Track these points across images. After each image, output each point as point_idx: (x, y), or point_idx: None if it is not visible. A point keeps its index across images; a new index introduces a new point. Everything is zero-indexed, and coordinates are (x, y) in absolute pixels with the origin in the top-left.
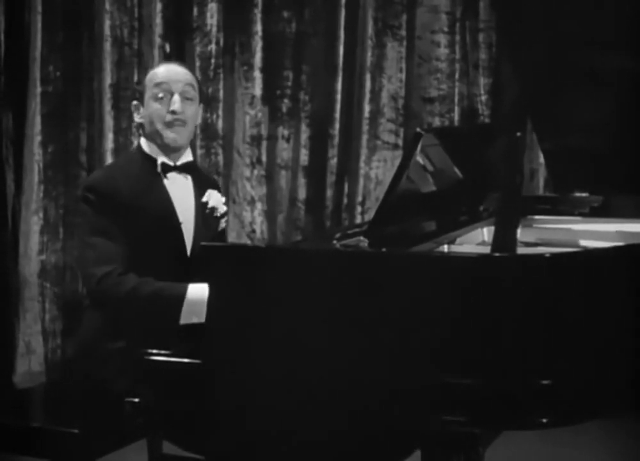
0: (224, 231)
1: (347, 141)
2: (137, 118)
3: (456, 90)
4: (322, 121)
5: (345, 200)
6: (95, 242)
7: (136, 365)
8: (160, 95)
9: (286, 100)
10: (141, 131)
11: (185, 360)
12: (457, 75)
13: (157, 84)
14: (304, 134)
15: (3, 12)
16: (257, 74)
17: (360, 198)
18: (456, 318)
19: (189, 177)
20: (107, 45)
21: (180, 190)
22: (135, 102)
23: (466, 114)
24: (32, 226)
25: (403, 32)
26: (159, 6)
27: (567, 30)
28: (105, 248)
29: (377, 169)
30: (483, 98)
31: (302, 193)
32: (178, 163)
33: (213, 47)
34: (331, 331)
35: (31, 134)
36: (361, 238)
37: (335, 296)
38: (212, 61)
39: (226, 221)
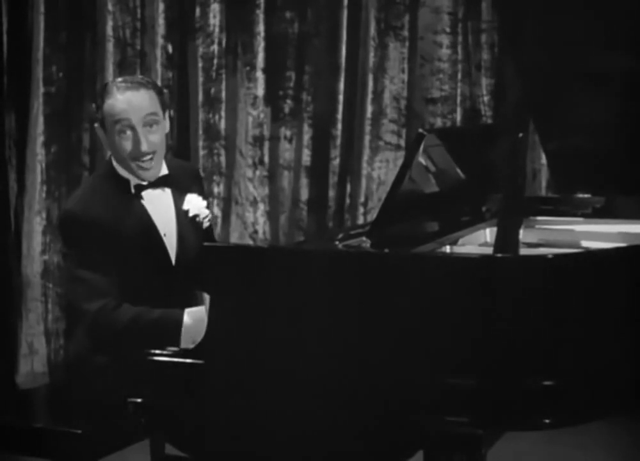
0: (210, 228)
1: (349, 142)
2: (104, 144)
3: (458, 91)
4: (324, 121)
5: (347, 201)
6: (83, 276)
7: (135, 368)
8: (123, 130)
9: (288, 101)
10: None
11: (188, 360)
12: (459, 76)
13: (117, 121)
14: (307, 134)
15: (6, 13)
16: (260, 75)
17: (362, 199)
18: (458, 319)
19: (167, 189)
20: (110, 46)
21: (158, 203)
22: (97, 125)
23: (468, 115)
24: (35, 226)
25: (405, 33)
26: (161, 7)
27: (569, 31)
28: (94, 281)
29: (380, 170)
30: (485, 98)
31: (304, 194)
32: (152, 180)
33: (215, 47)
34: (334, 332)
35: (33, 135)
36: (364, 239)
37: (337, 297)
38: (215, 61)
39: (210, 220)
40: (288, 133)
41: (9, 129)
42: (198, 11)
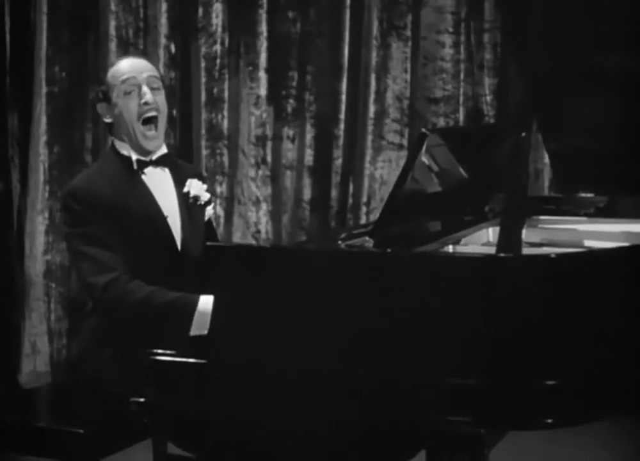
0: (210, 220)
1: (352, 142)
2: (106, 119)
3: (461, 90)
4: (327, 121)
5: (350, 201)
6: (90, 252)
7: (140, 365)
8: (129, 89)
9: (291, 101)
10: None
11: (191, 360)
12: (462, 76)
13: (124, 81)
14: (309, 134)
15: (9, 12)
16: (262, 74)
17: (364, 199)
18: (461, 318)
19: (167, 170)
20: (113, 46)
21: (159, 184)
22: (100, 104)
23: (471, 115)
24: (38, 226)
25: (408, 33)
26: (164, 7)
27: (572, 30)
28: (103, 255)
29: (382, 170)
30: (488, 98)
31: (307, 193)
32: (154, 158)
33: (218, 47)
34: (336, 331)
35: (36, 134)
36: (367, 238)
37: (340, 296)
38: (217, 61)
39: (213, 208)
40: (290, 133)
41: (12, 129)
42: (200, 11)
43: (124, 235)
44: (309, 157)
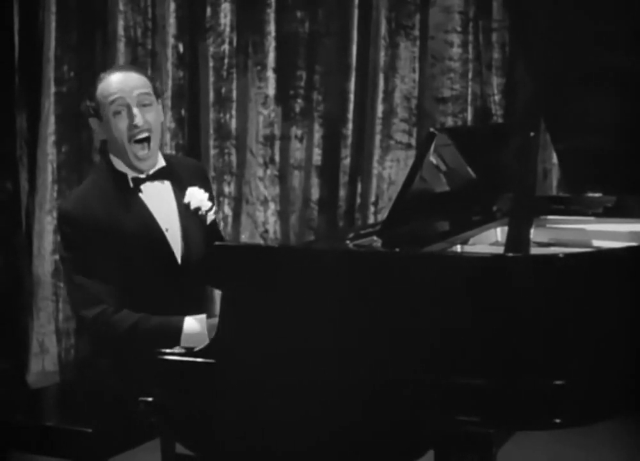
0: (214, 222)
1: (360, 141)
2: (100, 136)
3: (469, 90)
4: (335, 121)
5: (358, 200)
6: (80, 283)
7: (138, 374)
8: (118, 110)
9: (299, 100)
10: (107, 147)
11: (199, 359)
12: (470, 75)
13: (112, 101)
14: (318, 133)
15: (17, 13)
16: (270, 74)
17: (373, 198)
18: (469, 318)
19: (166, 182)
20: (121, 45)
21: (158, 198)
22: (91, 119)
23: (479, 114)
24: (46, 225)
25: (416, 32)
26: (172, 6)
27: (580, 30)
28: (92, 287)
29: (390, 169)
30: (496, 98)
31: (315, 193)
32: (151, 172)
33: (226, 47)
34: (345, 331)
35: (44, 134)
36: (375, 238)
37: (349, 296)
38: (226, 61)
39: (215, 212)
40: (299, 132)
41: (20, 129)
42: (209, 10)
43: (119, 256)
44: (317, 156)
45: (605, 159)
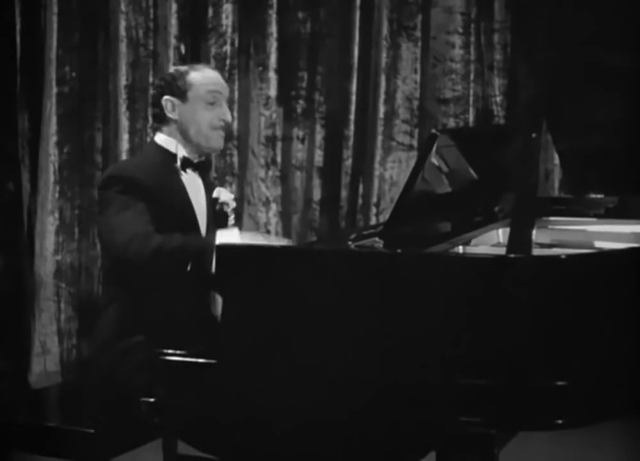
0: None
1: (361, 142)
2: (171, 115)
3: (471, 91)
4: (336, 122)
5: (359, 201)
6: (121, 219)
7: (153, 363)
8: (212, 100)
9: (301, 101)
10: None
11: (200, 360)
12: (472, 76)
13: (210, 91)
14: (319, 134)
15: (19, 13)
16: (272, 75)
17: (374, 199)
18: (471, 319)
19: (199, 177)
20: (123, 46)
21: (194, 187)
22: (168, 97)
23: (481, 115)
24: (48, 226)
25: (418, 33)
26: (174, 7)
27: (582, 30)
28: (133, 219)
29: (392, 170)
30: (498, 99)
31: (317, 194)
32: (195, 161)
33: (228, 47)
34: (347, 332)
35: (46, 135)
36: (376, 239)
37: (351, 297)
38: (227, 61)
39: (235, 219)
40: (300, 133)
41: (22, 129)
42: (210, 11)
43: (156, 225)
44: (319, 157)
45: (606, 160)
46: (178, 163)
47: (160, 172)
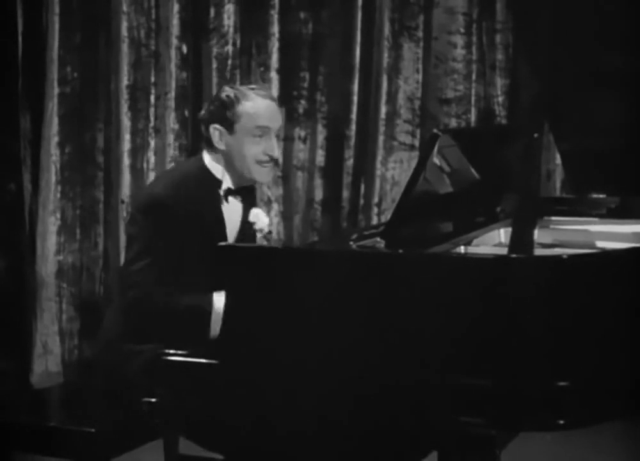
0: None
1: (363, 142)
2: (219, 145)
3: (473, 91)
4: (338, 122)
5: (361, 201)
6: (139, 265)
7: (155, 363)
8: (259, 134)
9: (302, 101)
10: (207, 149)
11: (203, 360)
12: (473, 76)
13: (259, 126)
14: (321, 135)
15: (21, 14)
16: (274, 75)
17: (376, 199)
18: (473, 319)
19: (240, 201)
20: (124, 46)
21: (231, 211)
22: (217, 126)
23: (482, 116)
24: (50, 226)
25: (420, 33)
26: (175, 7)
27: (583, 31)
28: (148, 271)
29: (394, 170)
30: (500, 99)
31: (318, 194)
32: (239, 187)
33: (230, 48)
34: (348, 332)
35: (48, 135)
36: (378, 239)
37: (352, 297)
38: (229, 62)
39: (268, 240)
40: (302, 133)
41: (24, 129)
42: (212, 11)
43: (185, 253)
44: (320, 157)
45: (608, 160)
46: (222, 192)
47: (201, 198)
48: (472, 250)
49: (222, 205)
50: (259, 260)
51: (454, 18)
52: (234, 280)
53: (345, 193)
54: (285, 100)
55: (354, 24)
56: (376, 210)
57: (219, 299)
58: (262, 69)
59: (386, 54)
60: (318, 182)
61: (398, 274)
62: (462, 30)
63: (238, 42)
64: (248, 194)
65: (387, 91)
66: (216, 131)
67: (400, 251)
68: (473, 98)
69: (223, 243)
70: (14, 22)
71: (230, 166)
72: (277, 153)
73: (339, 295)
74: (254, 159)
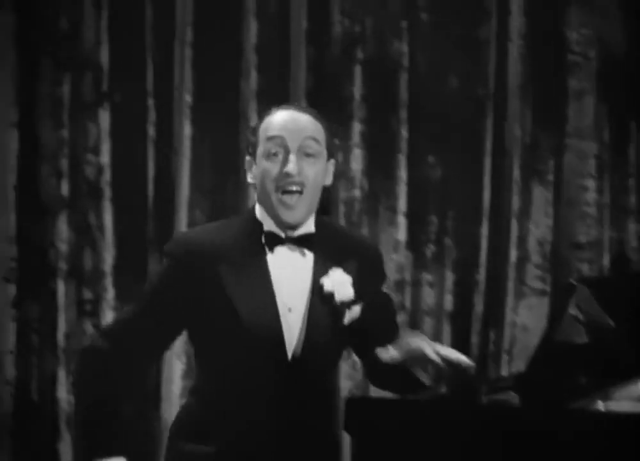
0: (362, 325)
1: (492, 287)
2: (250, 179)
3: (606, 236)
4: (467, 266)
5: (491, 348)
6: (134, 310)
7: None
8: (274, 151)
9: (431, 245)
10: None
11: None
12: (606, 221)
13: (270, 138)
14: (449, 280)
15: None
16: (401, 219)
17: (506, 346)
18: None
19: (307, 252)
20: None
21: (290, 268)
22: (248, 158)
23: (616, 261)
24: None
25: (550, 177)
26: None
27: None
28: (135, 322)
29: (524, 317)
30: (634, 244)
31: (446, 340)
32: (294, 235)
33: (357, 191)
34: None
35: None
36: (511, 393)
37: (488, 453)
38: (356, 206)
39: (363, 311)
40: (430, 278)
41: None
42: (340, 156)
43: (213, 323)
44: (448, 303)
45: None
46: (263, 240)
47: (239, 249)
48: (613, 405)
49: (268, 256)
50: (390, 413)
51: (585, 162)
52: (362, 437)
53: (474, 339)
54: (413, 244)
55: (483, 167)
56: (505, 357)
57: None
58: (389, 213)
59: (516, 198)
60: (446, 328)
61: (536, 430)
62: (594, 173)
63: (366, 186)
64: (315, 246)
65: (517, 235)
66: (248, 164)
67: (541, 407)
68: (606, 243)
69: (350, 396)
70: None
71: (260, 202)
72: (292, 168)
73: (474, 452)
74: (273, 185)
